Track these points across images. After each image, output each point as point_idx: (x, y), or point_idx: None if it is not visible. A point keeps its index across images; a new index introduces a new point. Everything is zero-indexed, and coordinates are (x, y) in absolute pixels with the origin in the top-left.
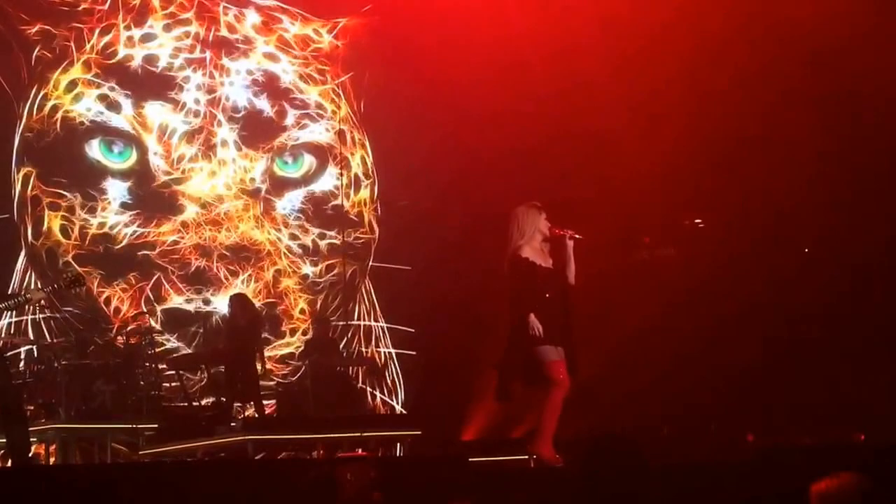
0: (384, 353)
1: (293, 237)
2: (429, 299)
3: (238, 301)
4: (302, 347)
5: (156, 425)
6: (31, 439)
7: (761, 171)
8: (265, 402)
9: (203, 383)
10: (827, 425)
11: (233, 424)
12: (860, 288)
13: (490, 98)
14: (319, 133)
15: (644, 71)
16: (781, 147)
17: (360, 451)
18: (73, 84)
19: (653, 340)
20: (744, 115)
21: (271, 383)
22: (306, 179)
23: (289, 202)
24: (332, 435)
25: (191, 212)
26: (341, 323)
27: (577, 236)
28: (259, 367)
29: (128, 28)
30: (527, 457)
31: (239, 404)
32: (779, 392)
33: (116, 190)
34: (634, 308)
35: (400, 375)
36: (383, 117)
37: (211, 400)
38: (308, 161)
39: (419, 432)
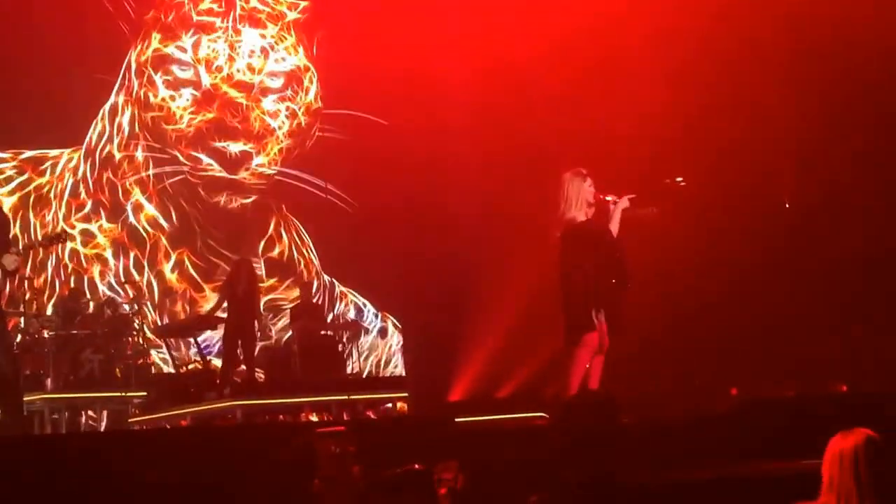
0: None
1: None
2: (415, 265)
3: (237, 268)
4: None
5: (144, 393)
6: None
7: (740, 128)
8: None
9: (191, 350)
10: (810, 377)
11: (224, 390)
12: (841, 241)
13: (462, 62)
14: None
15: (621, 30)
16: (761, 103)
17: (338, 422)
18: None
19: (635, 298)
20: (722, 72)
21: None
22: None
23: None
24: (320, 398)
25: None
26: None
27: (618, 200)
28: (259, 334)
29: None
30: (512, 416)
31: (231, 371)
32: (762, 345)
33: None
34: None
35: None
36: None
37: (199, 367)
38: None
39: (406, 394)
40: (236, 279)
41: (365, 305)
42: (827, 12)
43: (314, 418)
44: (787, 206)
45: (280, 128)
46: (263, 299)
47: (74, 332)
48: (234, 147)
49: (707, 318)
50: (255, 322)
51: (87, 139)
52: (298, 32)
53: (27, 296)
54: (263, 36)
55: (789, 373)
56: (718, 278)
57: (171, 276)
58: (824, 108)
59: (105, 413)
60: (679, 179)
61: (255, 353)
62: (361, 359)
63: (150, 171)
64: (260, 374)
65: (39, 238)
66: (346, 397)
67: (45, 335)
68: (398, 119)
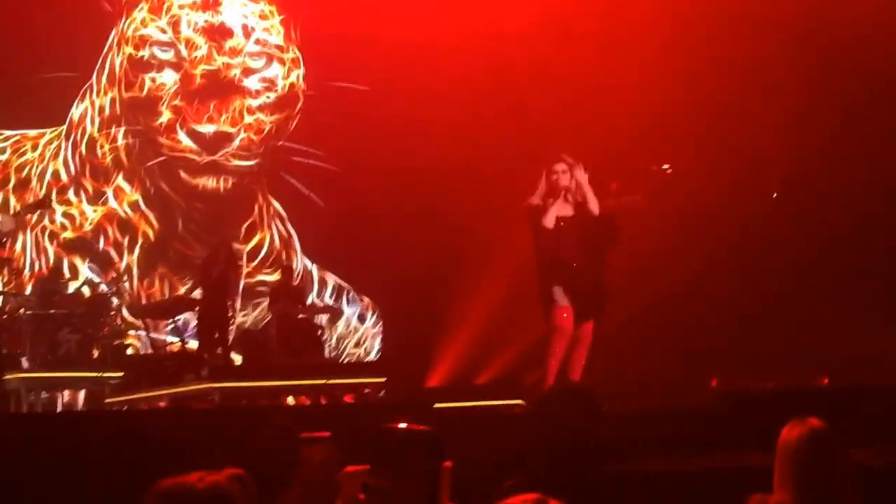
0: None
1: None
2: (395, 249)
3: (216, 251)
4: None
5: (121, 374)
6: None
7: (729, 118)
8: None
9: (169, 331)
10: (791, 369)
11: (202, 372)
12: (826, 233)
13: (451, 39)
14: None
15: (612, 17)
16: (749, 92)
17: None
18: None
19: (618, 286)
20: (711, 60)
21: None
22: None
23: None
24: (297, 382)
25: None
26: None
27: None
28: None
29: None
30: (490, 402)
31: (207, 353)
32: (743, 336)
33: None
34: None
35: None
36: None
37: (177, 348)
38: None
39: (384, 379)
40: (214, 262)
41: (344, 289)
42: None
43: (291, 401)
44: (775, 196)
45: (262, 109)
46: (242, 283)
47: (52, 311)
48: (214, 128)
49: (688, 308)
50: (231, 305)
51: (68, 120)
52: (282, 10)
53: (5, 276)
54: (245, 16)
55: (770, 364)
56: (701, 268)
57: (152, 259)
58: (813, 96)
59: (81, 393)
60: (665, 167)
61: (231, 335)
62: (339, 343)
63: (131, 153)
64: (238, 357)
65: (25, 205)
66: (323, 382)
67: (23, 314)
68: (383, 100)
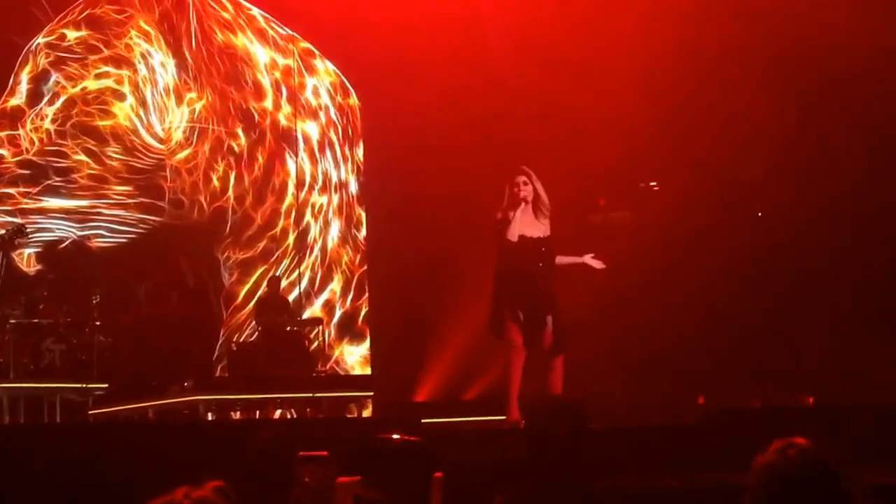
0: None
1: None
2: (384, 262)
3: (179, 263)
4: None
5: (105, 385)
6: None
7: (716, 135)
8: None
9: (153, 342)
10: (777, 389)
11: (185, 384)
12: (811, 252)
13: (444, 59)
14: None
15: (600, 33)
16: (736, 111)
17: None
18: None
19: (605, 302)
20: (699, 78)
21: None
22: None
23: None
24: (284, 395)
25: None
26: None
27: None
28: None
29: None
30: (478, 418)
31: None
32: (730, 355)
33: None
34: (587, 271)
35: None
36: None
37: (163, 359)
38: None
39: (372, 394)
40: (183, 274)
41: (333, 301)
42: (805, 19)
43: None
44: (760, 214)
45: None
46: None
47: (36, 320)
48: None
49: (675, 326)
50: (214, 314)
51: None
52: None
53: None
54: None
55: (756, 383)
56: (688, 285)
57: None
58: (799, 117)
59: (65, 404)
60: (653, 184)
61: (217, 347)
62: (327, 356)
63: None
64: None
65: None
66: (310, 395)
67: (6, 323)
68: (373, 116)
